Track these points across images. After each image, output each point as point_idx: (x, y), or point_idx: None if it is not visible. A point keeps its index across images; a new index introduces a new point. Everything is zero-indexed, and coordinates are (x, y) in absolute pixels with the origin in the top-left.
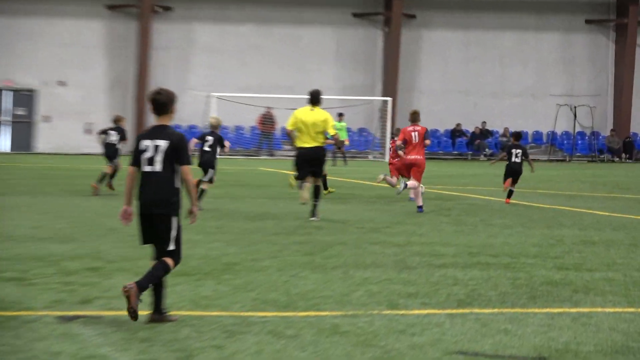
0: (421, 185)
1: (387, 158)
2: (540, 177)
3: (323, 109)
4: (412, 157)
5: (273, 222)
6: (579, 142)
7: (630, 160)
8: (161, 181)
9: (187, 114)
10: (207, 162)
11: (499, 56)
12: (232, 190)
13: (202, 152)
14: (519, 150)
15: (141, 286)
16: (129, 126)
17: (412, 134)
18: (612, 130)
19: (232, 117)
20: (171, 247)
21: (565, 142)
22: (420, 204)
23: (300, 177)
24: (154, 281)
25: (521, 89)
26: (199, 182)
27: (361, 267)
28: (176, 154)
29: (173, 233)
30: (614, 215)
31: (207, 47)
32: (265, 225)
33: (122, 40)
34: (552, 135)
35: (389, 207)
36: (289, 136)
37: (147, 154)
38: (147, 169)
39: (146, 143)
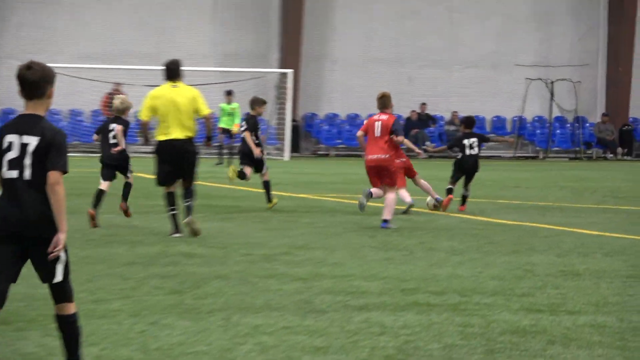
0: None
1: (287, 155)
2: (504, 182)
3: (190, 85)
4: (374, 156)
5: (125, 247)
6: (558, 131)
7: (628, 157)
8: (34, 192)
9: (1, 94)
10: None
11: (446, 10)
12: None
13: (107, 145)
14: (473, 140)
15: None
16: None
17: (376, 123)
18: (604, 115)
19: (66, 99)
20: (58, 277)
21: (538, 131)
22: (388, 217)
23: (163, 183)
24: (80, 346)
25: (477, 57)
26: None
27: (249, 311)
28: (47, 155)
29: (61, 261)
30: (607, 235)
31: None
32: (114, 252)
33: None
34: (520, 122)
35: (289, 224)
36: (142, 130)
37: (12, 154)
38: (12, 174)
39: (10, 139)
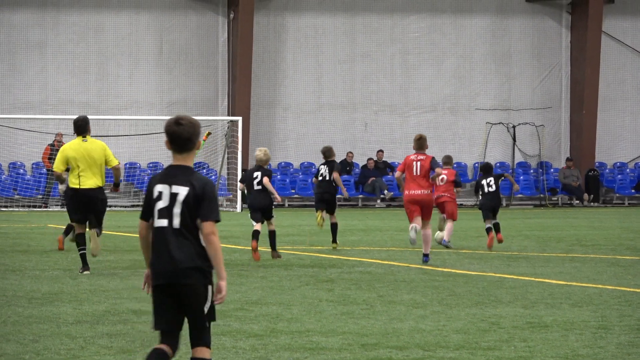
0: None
1: (239, 206)
2: (467, 231)
3: (141, 134)
4: (417, 192)
5: (70, 305)
6: (521, 177)
7: (595, 204)
8: (183, 241)
9: None
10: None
11: (400, 52)
12: (6, 259)
13: (255, 192)
14: (490, 179)
15: None
16: None
17: (414, 163)
18: (568, 160)
19: (4, 151)
20: (206, 324)
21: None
22: (428, 251)
23: (76, 222)
24: None
25: (433, 101)
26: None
27: None
28: (199, 206)
29: (207, 304)
30: (574, 285)
31: None
32: (59, 311)
33: None
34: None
35: (242, 278)
36: (58, 179)
37: (161, 204)
38: (162, 223)
39: (160, 189)
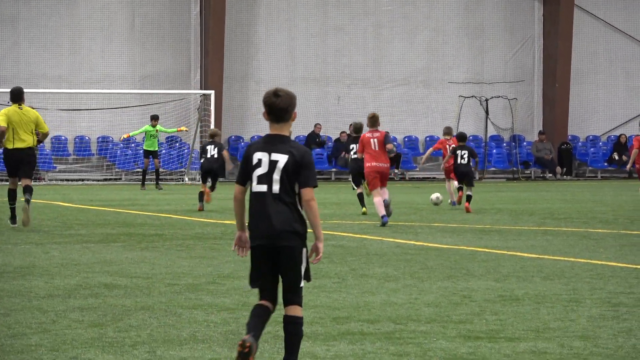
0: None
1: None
2: (439, 204)
3: (117, 108)
4: (377, 164)
5: (42, 279)
6: (494, 151)
7: (568, 177)
8: (281, 205)
9: None
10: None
11: (373, 25)
12: None
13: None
14: (464, 151)
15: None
16: None
17: (371, 140)
18: (540, 133)
19: None
20: (302, 282)
21: None
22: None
23: (11, 174)
24: (299, 346)
25: (406, 75)
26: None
27: (175, 343)
28: (298, 173)
29: (303, 266)
30: (546, 258)
31: None
32: (31, 285)
33: None
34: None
35: (214, 252)
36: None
37: (261, 170)
38: (261, 188)
39: (259, 156)
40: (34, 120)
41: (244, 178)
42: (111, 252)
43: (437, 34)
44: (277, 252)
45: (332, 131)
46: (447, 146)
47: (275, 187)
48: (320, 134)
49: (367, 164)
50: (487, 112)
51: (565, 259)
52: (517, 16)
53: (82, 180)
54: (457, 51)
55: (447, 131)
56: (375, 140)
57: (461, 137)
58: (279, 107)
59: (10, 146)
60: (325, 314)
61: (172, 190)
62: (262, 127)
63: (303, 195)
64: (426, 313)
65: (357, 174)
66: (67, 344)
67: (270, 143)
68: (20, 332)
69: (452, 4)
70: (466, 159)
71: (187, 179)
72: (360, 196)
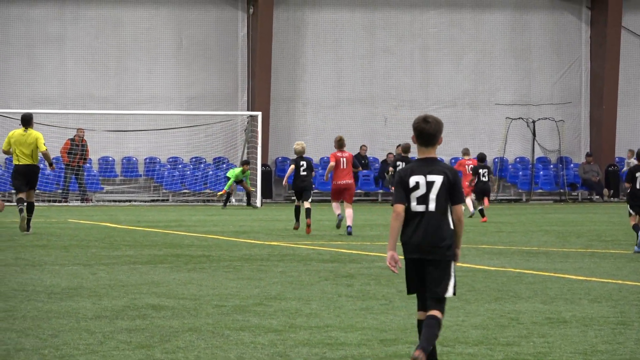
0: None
1: (258, 201)
2: (486, 226)
3: (164, 129)
4: (344, 182)
5: (90, 300)
6: (541, 173)
7: (615, 199)
8: (436, 222)
9: None
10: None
11: (420, 47)
12: (27, 253)
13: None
14: (484, 170)
15: (427, 350)
16: None
17: (341, 159)
18: (588, 155)
19: None
20: (449, 293)
21: (520, 173)
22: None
23: (18, 190)
24: (434, 341)
25: (453, 96)
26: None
27: None
28: (452, 191)
29: (452, 280)
30: (594, 281)
31: None
32: (78, 306)
33: None
34: (501, 164)
35: (262, 274)
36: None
37: (419, 192)
38: (420, 208)
39: (416, 179)
40: (33, 142)
41: (402, 198)
42: (158, 273)
43: (484, 55)
44: (429, 265)
45: (378, 152)
46: (467, 166)
47: (432, 206)
48: (367, 155)
49: (335, 181)
50: (534, 134)
51: (613, 281)
52: (564, 38)
53: (129, 201)
54: (503, 73)
55: (466, 152)
56: (344, 159)
57: (481, 158)
58: (428, 132)
59: (16, 162)
60: (372, 335)
61: (219, 212)
62: (309, 149)
63: (456, 211)
64: (473, 335)
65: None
66: None
67: (424, 166)
68: (68, 354)
69: (499, 26)
70: (486, 177)
71: (233, 200)
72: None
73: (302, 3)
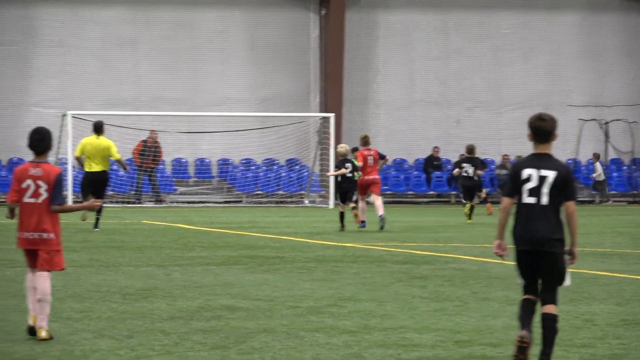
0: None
1: (331, 202)
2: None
3: (237, 131)
4: (370, 177)
5: (164, 301)
6: (614, 174)
7: None
8: (548, 215)
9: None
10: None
11: (492, 49)
12: (101, 254)
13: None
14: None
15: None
16: None
17: (368, 157)
18: None
19: None
20: (566, 282)
21: (593, 174)
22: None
23: (85, 195)
24: (555, 338)
25: (526, 97)
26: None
27: None
28: (564, 187)
29: (566, 270)
30: None
31: (56, 42)
32: (153, 307)
33: None
34: (575, 165)
35: (335, 275)
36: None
37: (531, 185)
38: (531, 200)
39: (529, 172)
40: (105, 149)
41: (513, 191)
42: (233, 275)
43: (557, 57)
44: (540, 256)
45: (451, 154)
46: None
47: (544, 200)
48: (439, 156)
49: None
50: (607, 136)
51: None
52: (636, 39)
53: (203, 202)
54: (576, 74)
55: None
56: (371, 157)
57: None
58: (545, 129)
59: (87, 169)
60: (447, 337)
61: (292, 213)
62: (381, 150)
63: (568, 207)
64: None
65: (468, 190)
66: None
67: (538, 161)
68: (143, 354)
69: (571, 28)
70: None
71: (307, 201)
72: (471, 209)
73: (374, 4)
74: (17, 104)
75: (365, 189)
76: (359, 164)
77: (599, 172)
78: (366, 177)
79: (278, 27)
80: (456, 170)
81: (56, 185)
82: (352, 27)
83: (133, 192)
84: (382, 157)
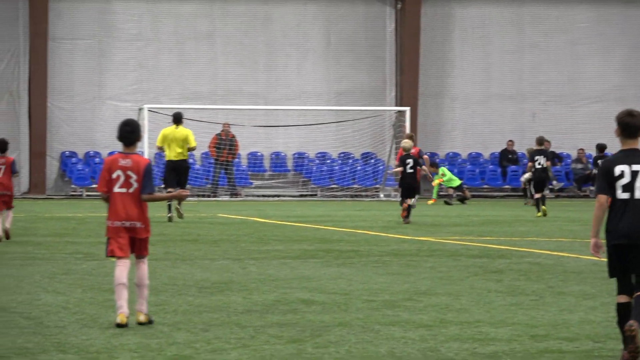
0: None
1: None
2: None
3: (312, 125)
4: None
5: (240, 294)
6: None
7: None
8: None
9: (106, 136)
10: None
11: (568, 42)
12: (177, 248)
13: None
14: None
15: None
16: (24, 153)
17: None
18: None
19: None
20: None
21: None
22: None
23: (169, 186)
24: None
25: (602, 91)
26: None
27: None
28: None
29: None
30: None
31: (132, 36)
32: (229, 300)
33: (2, 27)
34: None
35: (411, 269)
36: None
37: (624, 180)
38: (625, 196)
39: (621, 168)
40: (184, 137)
41: (607, 188)
42: (308, 268)
43: (634, 51)
44: (635, 250)
45: (526, 148)
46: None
47: (637, 194)
48: (514, 149)
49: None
50: None
51: None
52: None
53: (278, 196)
54: None
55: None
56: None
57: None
58: (634, 125)
59: (168, 158)
60: (523, 331)
61: (367, 207)
62: (457, 144)
63: None
64: None
65: (538, 181)
66: (266, 359)
67: (629, 156)
68: (219, 347)
69: None
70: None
71: (382, 195)
72: (538, 201)
73: None
74: (94, 97)
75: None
76: (396, 163)
77: None
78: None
79: (354, 21)
80: (530, 164)
81: (146, 175)
82: (428, 21)
83: (209, 186)
84: (420, 155)
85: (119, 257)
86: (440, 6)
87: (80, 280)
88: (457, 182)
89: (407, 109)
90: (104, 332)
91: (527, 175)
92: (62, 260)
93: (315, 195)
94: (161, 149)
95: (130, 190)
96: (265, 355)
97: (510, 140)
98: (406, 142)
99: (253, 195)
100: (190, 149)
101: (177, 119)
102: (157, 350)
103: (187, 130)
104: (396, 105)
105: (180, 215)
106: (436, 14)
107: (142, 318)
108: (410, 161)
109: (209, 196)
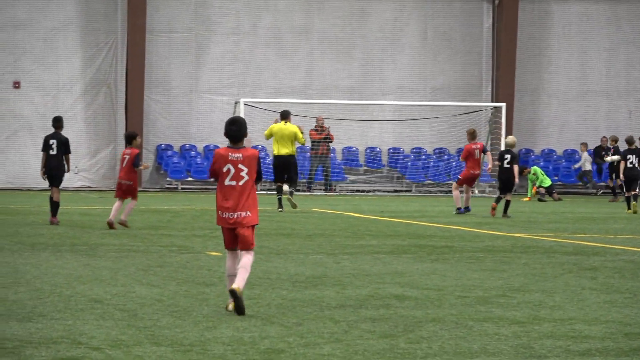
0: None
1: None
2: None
3: (408, 120)
4: (477, 172)
5: (334, 289)
6: None
7: None
8: None
9: (202, 130)
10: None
11: None
12: (270, 242)
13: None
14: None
15: None
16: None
17: (475, 150)
18: None
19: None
20: None
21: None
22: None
23: (278, 180)
24: None
25: None
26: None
27: (466, 356)
28: None
29: None
30: None
31: (229, 30)
32: (322, 294)
33: (101, 21)
34: None
35: (504, 265)
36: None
37: None
38: None
39: None
40: (292, 134)
41: None
42: (402, 264)
43: None
44: None
45: (622, 145)
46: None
47: None
48: (609, 146)
49: (471, 171)
50: None
51: None
52: None
53: (373, 191)
54: None
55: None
56: (477, 150)
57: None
58: None
59: (276, 153)
60: (617, 329)
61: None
62: (553, 140)
63: None
64: None
65: (630, 180)
66: (359, 354)
67: None
68: (312, 342)
69: None
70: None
71: (476, 191)
72: (629, 199)
73: None
74: (191, 90)
75: (471, 181)
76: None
77: None
78: (474, 172)
79: (451, 16)
80: (609, 158)
81: (257, 166)
82: (525, 17)
83: (305, 180)
84: (484, 151)
85: (230, 249)
86: (537, 2)
87: (175, 273)
88: (548, 181)
89: (503, 105)
90: (197, 325)
91: (615, 157)
92: (157, 253)
93: (410, 190)
94: (268, 139)
95: (241, 183)
96: (358, 350)
97: (604, 137)
98: (510, 138)
99: (347, 190)
100: (301, 145)
101: (285, 115)
102: (250, 343)
103: (295, 127)
104: (492, 102)
105: (293, 205)
106: (534, 10)
107: (235, 287)
108: (508, 156)
109: (303, 190)
